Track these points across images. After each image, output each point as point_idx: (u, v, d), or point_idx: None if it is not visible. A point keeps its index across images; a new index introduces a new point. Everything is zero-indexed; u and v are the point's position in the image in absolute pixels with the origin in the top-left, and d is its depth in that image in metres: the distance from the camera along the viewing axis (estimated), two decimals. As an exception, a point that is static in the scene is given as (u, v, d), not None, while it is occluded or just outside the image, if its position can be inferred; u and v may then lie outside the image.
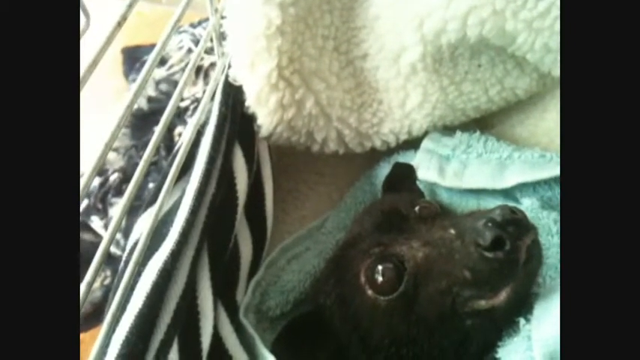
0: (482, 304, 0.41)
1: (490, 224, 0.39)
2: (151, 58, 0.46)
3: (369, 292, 0.45)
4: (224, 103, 0.54)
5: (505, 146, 0.58)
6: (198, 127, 0.55)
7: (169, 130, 0.95)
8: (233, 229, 0.54)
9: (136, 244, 0.47)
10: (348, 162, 0.69)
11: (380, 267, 0.45)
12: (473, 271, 0.40)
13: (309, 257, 0.60)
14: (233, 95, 0.55)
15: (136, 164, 0.61)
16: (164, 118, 0.54)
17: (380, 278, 0.45)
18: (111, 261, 0.67)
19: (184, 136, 0.55)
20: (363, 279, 0.46)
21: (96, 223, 0.78)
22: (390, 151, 0.65)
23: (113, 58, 1.03)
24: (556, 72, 0.57)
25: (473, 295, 0.41)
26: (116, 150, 0.90)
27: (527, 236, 0.40)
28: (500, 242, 0.39)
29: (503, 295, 0.40)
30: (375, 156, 0.67)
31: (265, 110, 0.55)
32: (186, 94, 0.98)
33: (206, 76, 0.98)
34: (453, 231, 0.43)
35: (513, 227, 0.40)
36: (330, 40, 0.59)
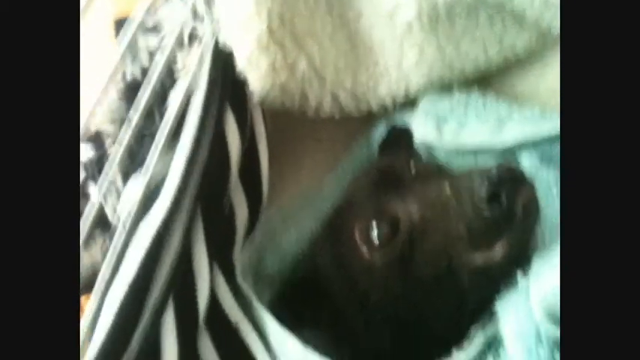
0: (479, 260, 0.41)
1: (486, 181, 0.39)
2: (132, 27, 0.45)
3: (365, 251, 0.45)
4: (214, 67, 0.54)
5: (504, 105, 0.57)
6: (189, 93, 0.54)
7: (163, 99, 0.94)
8: (227, 193, 0.53)
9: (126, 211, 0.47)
10: (345, 126, 0.68)
11: (375, 228, 0.45)
12: (469, 228, 0.40)
13: (306, 219, 0.59)
14: (223, 60, 0.54)
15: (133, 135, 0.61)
16: (150, 86, 0.54)
17: (376, 238, 0.44)
18: (108, 228, 0.67)
19: (174, 101, 0.54)
20: (358, 240, 0.46)
21: (93, 194, 0.77)
22: (387, 114, 0.64)
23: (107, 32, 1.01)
24: (556, 29, 0.56)
25: (469, 252, 0.41)
26: (113, 122, 0.89)
27: (524, 192, 0.39)
28: (496, 198, 0.39)
29: (499, 252, 0.40)
30: (372, 119, 0.65)
31: (257, 74, 0.54)
32: (181, 64, 0.97)
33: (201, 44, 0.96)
34: (449, 189, 0.42)
35: (510, 183, 0.39)
36: (322, 1, 0.58)
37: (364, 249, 0.45)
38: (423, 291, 0.43)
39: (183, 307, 0.46)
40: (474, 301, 0.43)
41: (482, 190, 0.39)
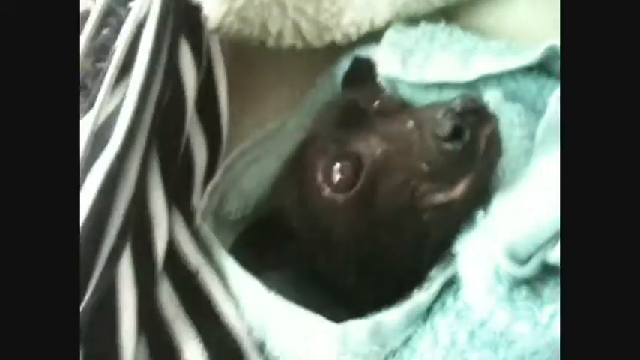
0: (441, 197, 0.40)
1: (449, 114, 0.38)
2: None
3: (327, 190, 0.44)
4: None
5: (471, 37, 0.55)
6: (139, 22, 0.50)
7: (118, 32, 0.88)
8: (183, 130, 0.51)
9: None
10: (309, 60, 0.65)
11: (337, 165, 0.44)
12: (431, 163, 0.39)
13: (269, 160, 0.57)
14: (176, -16, 0.50)
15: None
16: (98, 14, 0.50)
17: (337, 176, 0.44)
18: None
19: (123, 31, 0.50)
20: (320, 178, 0.45)
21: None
22: (351, 46, 0.61)
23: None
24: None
25: (431, 188, 0.40)
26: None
27: (487, 126, 0.39)
28: (458, 132, 0.38)
29: (461, 188, 0.40)
30: (337, 54, 0.63)
31: (211, -1, 0.50)
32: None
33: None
34: (411, 123, 0.41)
35: (473, 117, 0.38)
36: None
37: (327, 190, 0.44)
38: (385, 228, 0.43)
39: (141, 253, 0.44)
40: (435, 240, 0.43)
41: (445, 124, 0.37)
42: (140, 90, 0.46)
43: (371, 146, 0.43)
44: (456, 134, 0.38)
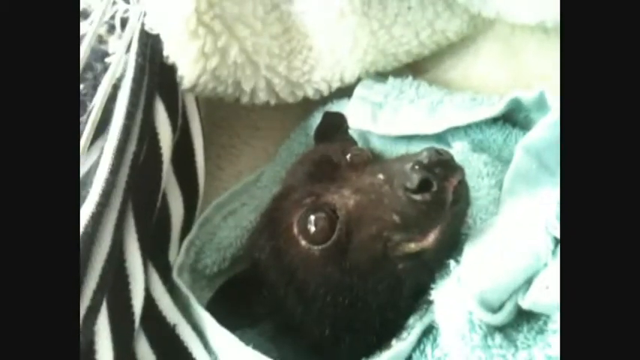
0: (413, 246, 0.41)
1: (417, 167, 0.39)
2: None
3: (303, 242, 0.45)
4: (141, 53, 0.51)
5: (437, 91, 0.57)
6: (115, 81, 0.51)
7: (96, 87, 0.89)
8: (159, 187, 0.51)
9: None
10: (283, 114, 0.67)
11: (312, 217, 0.44)
12: (401, 214, 0.40)
13: (245, 213, 0.58)
14: (151, 45, 0.52)
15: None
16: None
17: (313, 228, 0.44)
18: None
19: (99, 91, 0.51)
20: (296, 230, 0.45)
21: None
22: (323, 101, 0.63)
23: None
24: (486, 12, 0.57)
25: (403, 238, 0.41)
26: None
27: (454, 177, 0.40)
28: (427, 184, 0.39)
29: (432, 237, 0.40)
30: (309, 107, 0.65)
31: (186, 59, 0.52)
32: (111, 49, 0.92)
33: (131, 28, 0.91)
34: (381, 176, 0.42)
35: (440, 168, 0.39)
36: (253, -17, 0.56)
37: (303, 242, 0.45)
38: (361, 278, 0.44)
39: (118, 310, 0.44)
40: (411, 288, 0.44)
41: (413, 177, 0.39)
42: (116, 149, 0.46)
43: (344, 198, 0.44)
44: (424, 186, 0.39)
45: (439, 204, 0.39)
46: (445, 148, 0.51)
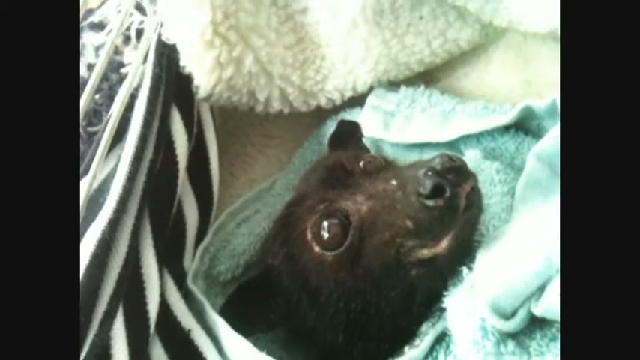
0: (425, 252, 0.41)
1: (430, 173, 0.39)
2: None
3: (316, 248, 0.45)
4: (157, 63, 0.52)
5: (449, 99, 0.58)
6: (132, 91, 0.53)
7: (111, 97, 0.91)
8: (175, 194, 0.52)
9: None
10: (296, 123, 0.68)
11: (325, 223, 0.45)
12: (414, 220, 0.40)
13: (258, 220, 0.59)
14: (167, 55, 0.53)
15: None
16: (90, 84, 0.52)
17: (326, 234, 0.44)
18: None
19: (117, 100, 0.52)
20: (309, 236, 0.46)
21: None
22: (336, 110, 0.64)
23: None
24: (497, 21, 0.57)
25: (416, 244, 0.41)
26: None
27: (467, 183, 0.40)
28: (440, 190, 0.39)
29: (445, 243, 0.41)
30: (322, 116, 0.66)
31: (201, 69, 0.53)
32: (127, 60, 0.94)
33: (147, 40, 0.93)
34: (395, 182, 0.43)
35: (453, 175, 0.40)
36: (267, -6, 0.57)
37: (316, 247, 0.45)
38: (374, 284, 0.44)
39: (134, 315, 0.45)
40: (423, 295, 0.44)
41: (426, 183, 0.39)
42: (133, 157, 0.47)
43: (358, 204, 0.44)
44: (437, 192, 0.39)
45: (452, 210, 0.39)
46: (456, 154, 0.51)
